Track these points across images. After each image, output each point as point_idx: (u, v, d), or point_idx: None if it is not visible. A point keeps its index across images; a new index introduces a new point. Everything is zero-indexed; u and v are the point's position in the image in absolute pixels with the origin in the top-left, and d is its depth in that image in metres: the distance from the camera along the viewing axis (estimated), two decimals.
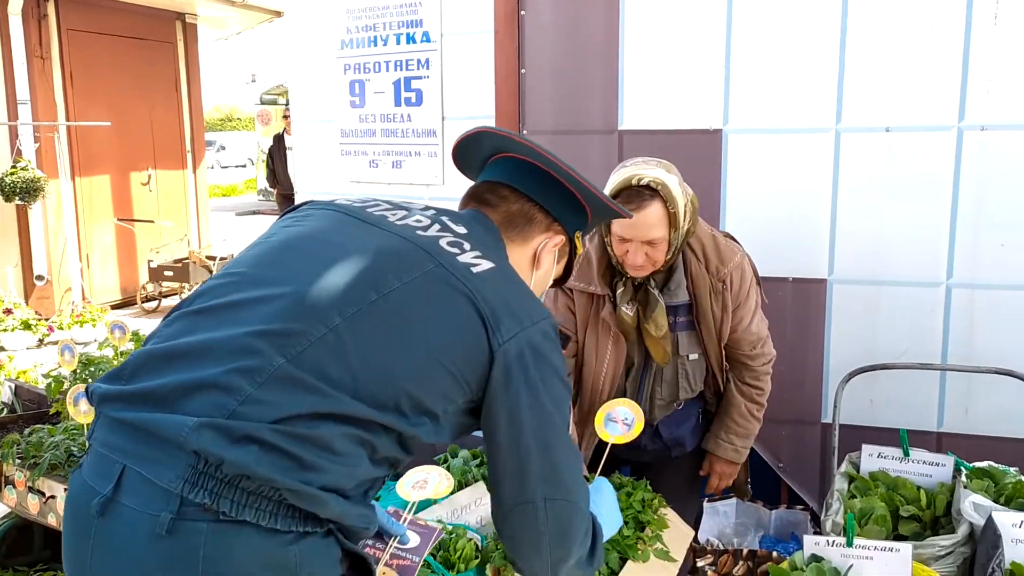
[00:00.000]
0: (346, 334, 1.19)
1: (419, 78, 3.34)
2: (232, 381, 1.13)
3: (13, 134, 7.15)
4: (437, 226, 1.38)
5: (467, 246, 1.35)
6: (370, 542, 1.63)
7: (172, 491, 1.09)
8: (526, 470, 1.30)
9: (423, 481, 1.83)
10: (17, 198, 6.72)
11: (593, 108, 2.93)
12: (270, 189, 11.04)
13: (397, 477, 1.82)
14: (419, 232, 1.35)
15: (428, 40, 3.29)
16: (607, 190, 2.11)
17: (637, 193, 2.05)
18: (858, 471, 2.21)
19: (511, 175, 1.51)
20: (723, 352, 2.30)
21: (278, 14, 9.05)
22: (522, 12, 3.03)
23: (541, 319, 1.33)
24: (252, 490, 1.10)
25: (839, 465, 2.28)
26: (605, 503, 1.63)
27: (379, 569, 1.63)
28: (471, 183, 1.60)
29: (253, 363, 1.15)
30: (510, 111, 3.10)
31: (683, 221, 2.10)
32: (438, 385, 1.25)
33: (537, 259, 1.51)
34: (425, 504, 2.08)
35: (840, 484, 2.14)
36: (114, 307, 7.86)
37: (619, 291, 2.20)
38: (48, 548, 2.78)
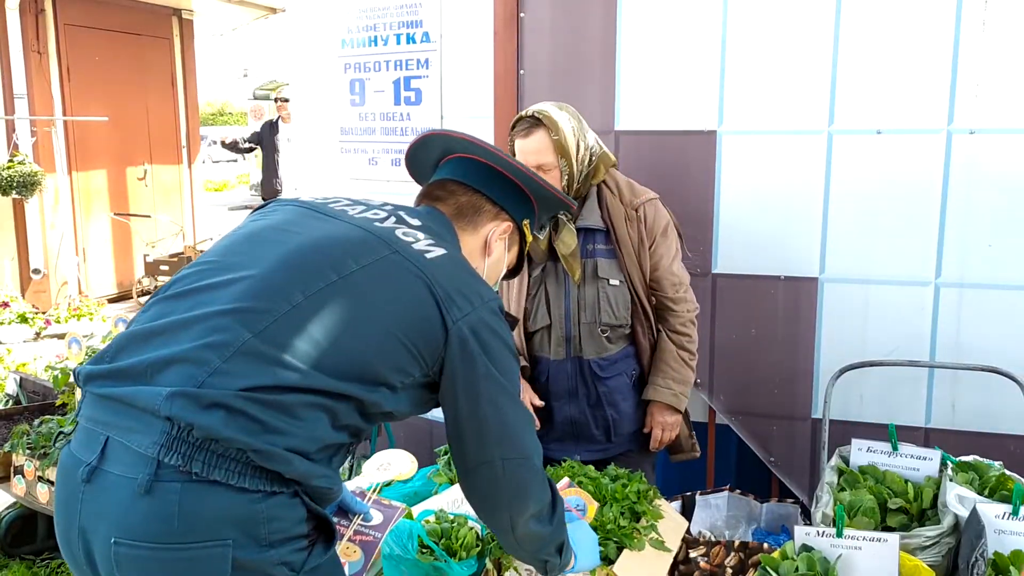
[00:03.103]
0: (308, 311, 1.30)
1: (419, 78, 3.38)
2: (202, 355, 1.24)
3: (10, 128, 7.16)
4: (393, 219, 1.49)
5: (421, 236, 1.47)
6: (335, 519, 1.73)
7: (149, 456, 1.20)
8: (484, 434, 1.42)
9: (387, 464, 1.94)
10: (14, 192, 6.74)
11: (590, 109, 2.97)
12: (262, 196, 10.12)
13: (365, 458, 1.91)
14: (376, 223, 1.46)
15: (428, 40, 3.34)
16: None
17: (525, 121, 2.36)
18: (848, 465, 2.27)
19: (458, 172, 1.64)
20: (648, 284, 2.48)
21: (272, 10, 9.07)
22: (522, 14, 3.08)
23: (490, 299, 1.46)
24: (221, 452, 1.20)
25: (829, 459, 2.34)
26: (584, 541, 1.73)
27: (343, 544, 1.72)
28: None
29: (222, 338, 1.25)
30: (508, 111, 3.15)
31: (573, 151, 2.35)
32: (395, 359, 1.36)
33: (488, 246, 1.64)
34: (426, 494, 2.13)
35: (830, 477, 2.20)
36: (110, 301, 7.88)
37: None
38: (52, 537, 2.83)
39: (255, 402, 1.22)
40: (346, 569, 1.64)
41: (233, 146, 9.65)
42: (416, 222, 1.51)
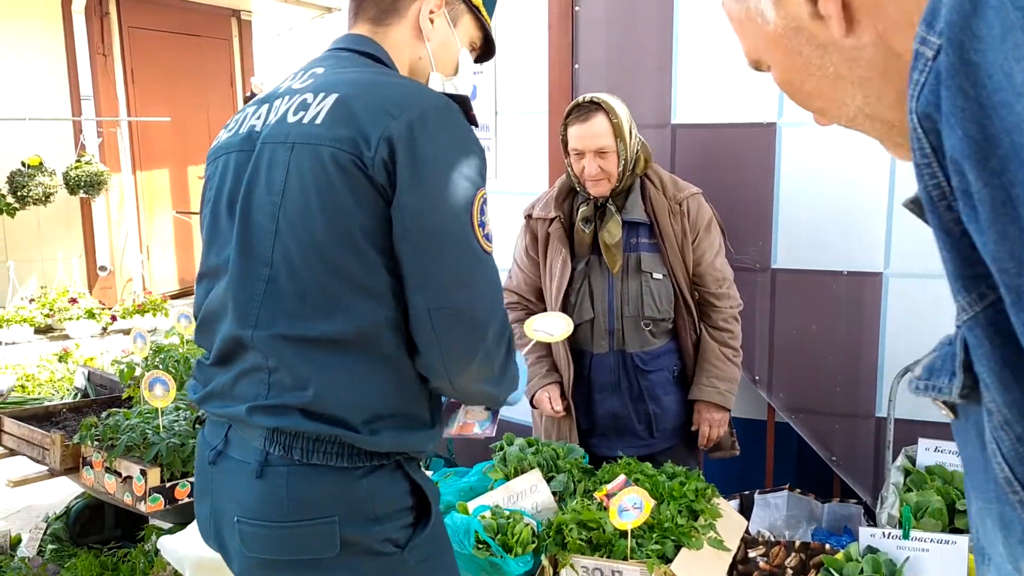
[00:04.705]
0: (278, 273, 1.27)
1: (473, 73, 3.38)
2: (255, 362, 1.30)
3: (77, 129, 7.37)
4: (286, 97, 1.34)
5: (309, 98, 1.30)
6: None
7: (257, 447, 1.28)
8: (407, 278, 1.25)
9: (548, 332, 2.01)
10: (81, 191, 6.95)
11: (646, 103, 2.95)
12: None
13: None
14: (273, 124, 1.32)
15: None
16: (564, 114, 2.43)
17: (583, 107, 2.39)
18: (914, 465, 2.21)
19: None
20: (691, 277, 2.49)
21: (328, 10, 9.19)
22: (576, 8, 3.06)
23: (409, 107, 1.24)
24: (315, 438, 1.26)
25: (894, 459, 2.28)
26: None
27: (470, 409, 1.73)
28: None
29: (255, 345, 1.29)
30: (563, 106, 3.13)
31: (628, 135, 2.39)
32: (371, 253, 1.24)
33: (421, 30, 1.44)
34: (482, 490, 2.13)
35: (896, 477, 2.15)
36: (173, 297, 8.07)
37: (581, 210, 2.47)
38: (119, 527, 2.90)
39: (324, 397, 1.25)
40: (476, 427, 1.69)
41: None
42: (308, 81, 1.35)
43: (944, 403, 0.64)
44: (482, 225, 1.28)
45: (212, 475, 1.36)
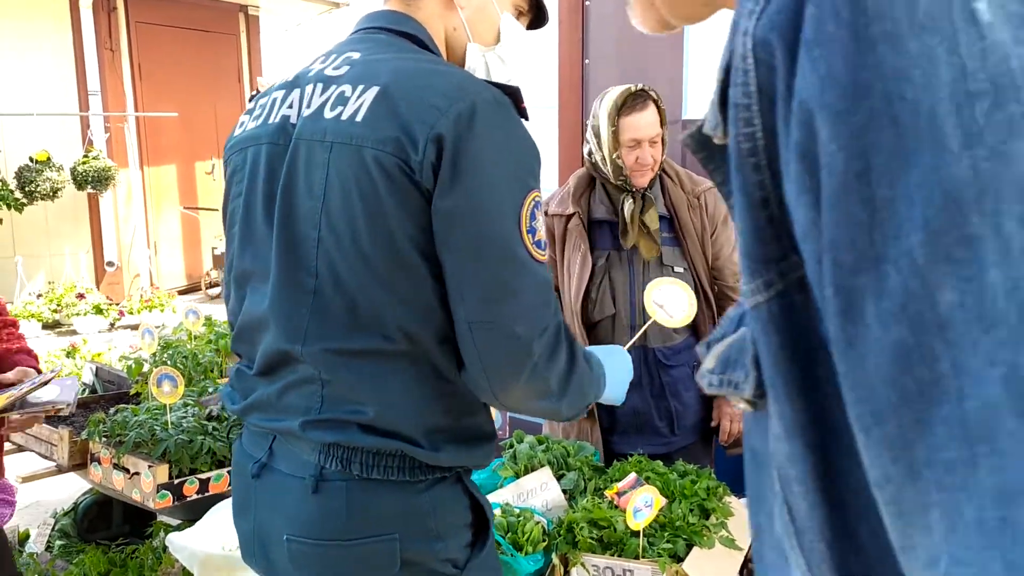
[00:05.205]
0: (324, 284, 1.18)
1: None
2: (305, 375, 1.23)
3: (85, 124, 7.38)
4: (319, 85, 1.24)
5: (347, 91, 1.19)
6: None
7: (311, 461, 1.21)
8: (449, 287, 1.16)
9: (668, 314, 1.90)
10: (89, 186, 6.95)
11: None
12: None
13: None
14: (306, 118, 1.22)
15: None
16: (605, 107, 2.37)
17: (639, 96, 2.37)
18: None
19: None
20: (711, 270, 2.49)
21: (336, 5, 9.17)
22: (587, 3, 3.04)
23: (458, 99, 1.13)
24: (375, 452, 1.20)
25: None
26: (614, 372, 1.43)
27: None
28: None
29: (304, 359, 1.22)
30: (573, 102, 3.12)
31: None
32: (418, 261, 1.16)
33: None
34: (492, 487, 2.12)
35: None
36: (180, 292, 8.08)
37: (627, 204, 2.43)
38: (127, 523, 2.90)
39: (380, 411, 1.19)
40: None
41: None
42: (343, 69, 1.23)
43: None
44: (532, 231, 1.16)
45: (255, 490, 1.29)
